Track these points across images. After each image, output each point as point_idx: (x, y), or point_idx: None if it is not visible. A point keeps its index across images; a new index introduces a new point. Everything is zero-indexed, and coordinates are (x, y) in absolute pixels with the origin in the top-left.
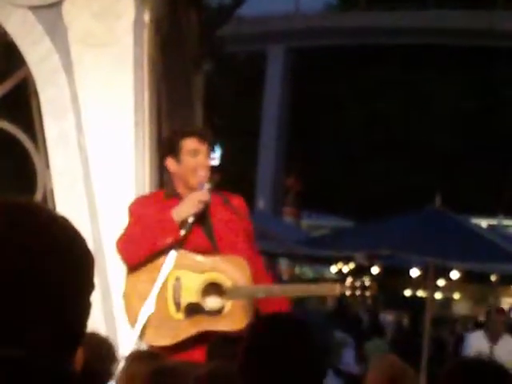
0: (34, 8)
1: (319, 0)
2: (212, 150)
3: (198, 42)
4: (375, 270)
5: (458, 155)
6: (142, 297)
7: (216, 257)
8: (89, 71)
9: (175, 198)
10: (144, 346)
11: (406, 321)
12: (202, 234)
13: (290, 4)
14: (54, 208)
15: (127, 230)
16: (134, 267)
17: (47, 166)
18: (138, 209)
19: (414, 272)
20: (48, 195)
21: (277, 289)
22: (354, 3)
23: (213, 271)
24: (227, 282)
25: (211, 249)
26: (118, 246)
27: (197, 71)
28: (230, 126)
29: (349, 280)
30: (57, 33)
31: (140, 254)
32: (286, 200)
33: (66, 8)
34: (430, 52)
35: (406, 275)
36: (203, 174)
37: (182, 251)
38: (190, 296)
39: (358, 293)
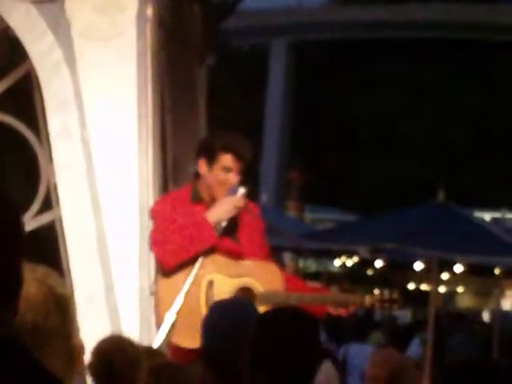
0: (36, 2)
1: None
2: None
3: (201, 36)
4: (378, 263)
5: (462, 148)
6: (175, 299)
7: (250, 262)
8: (92, 65)
9: (201, 203)
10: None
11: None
12: (229, 239)
13: None
14: (58, 202)
15: (161, 232)
16: (169, 270)
17: (50, 160)
18: (165, 207)
19: (418, 266)
20: (51, 189)
21: (308, 296)
22: None
23: (246, 276)
24: (259, 288)
25: (239, 253)
26: (154, 250)
27: (200, 65)
28: (233, 119)
29: (377, 292)
30: (59, 27)
31: (178, 258)
32: (289, 194)
33: (68, 2)
34: (432, 45)
35: (410, 269)
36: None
37: (217, 255)
38: None
39: (386, 305)
